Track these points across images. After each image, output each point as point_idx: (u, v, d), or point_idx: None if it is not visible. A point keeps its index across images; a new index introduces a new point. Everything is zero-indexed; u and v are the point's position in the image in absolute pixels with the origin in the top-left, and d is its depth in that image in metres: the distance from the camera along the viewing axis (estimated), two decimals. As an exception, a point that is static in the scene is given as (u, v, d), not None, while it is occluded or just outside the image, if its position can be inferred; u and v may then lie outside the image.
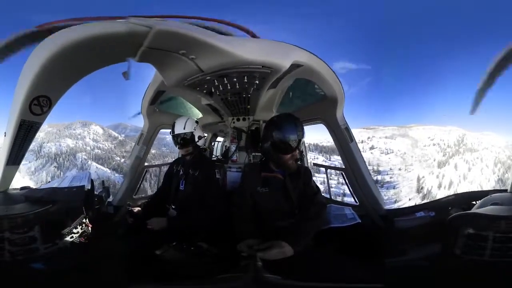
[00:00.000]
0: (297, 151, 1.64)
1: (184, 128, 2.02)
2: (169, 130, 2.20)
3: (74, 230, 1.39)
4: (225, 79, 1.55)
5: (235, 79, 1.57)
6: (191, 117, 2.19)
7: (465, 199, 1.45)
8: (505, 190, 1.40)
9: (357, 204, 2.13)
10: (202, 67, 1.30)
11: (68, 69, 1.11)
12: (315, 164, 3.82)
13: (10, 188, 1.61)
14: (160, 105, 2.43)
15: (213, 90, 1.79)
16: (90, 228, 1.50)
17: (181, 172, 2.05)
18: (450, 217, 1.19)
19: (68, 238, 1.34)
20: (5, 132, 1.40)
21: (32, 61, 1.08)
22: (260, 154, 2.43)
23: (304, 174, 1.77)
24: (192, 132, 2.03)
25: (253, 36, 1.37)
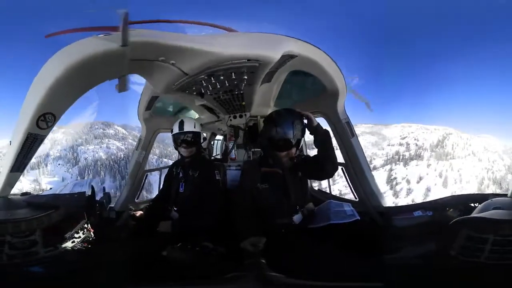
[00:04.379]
0: (294, 149, 1.59)
1: (194, 127, 1.99)
2: (168, 134, 2.20)
3: (76, 235, 1.45)
4: (212, 78, 1.52)
5: (222, 77, 1.53)
6: (196, 119, 2.18)
7: (463, 201, 1.42)
8: (505, 195, 1.34)
9: (357, 200, 2.08)
10: (185, 70, 1.29)
11: (72, 88, 1.20)
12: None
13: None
14: (156, 109, 2.44)
15: (203, 91, 1.75)
16: (92, 233, 1.56)
17: (180, 174, 2.06)
18: (453, 221, 1.15)
19: (69, 243, 1.40)
20: (10, 141, 1.49)
21: (39, 81, 1.17)
22: (259, 150, 2.40)
23: (302, 161, 1.74)
24: (200, 133, 2.02)
25: (230, 31, 1.32)
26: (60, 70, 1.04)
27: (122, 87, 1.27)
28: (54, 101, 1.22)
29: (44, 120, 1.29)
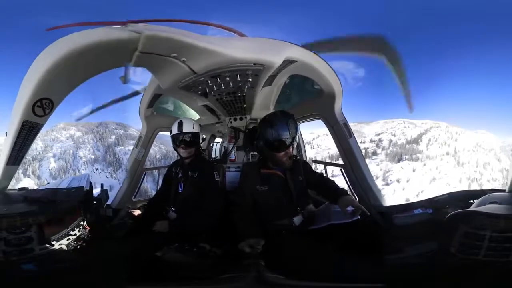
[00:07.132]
0: (291, 149, 1.64)
1: (193, 128, 2.02)
2: (167, 133, 2.20)
3: (72, 233, 1.40)
4: (218, 79, 1.56)
5: (228, 79, 1.57)
6: (196, 120, 2.21)
7: (463, 198, 1.44)
8: (503, 190, 1.37)
9: (356, 200, 2.10)
10: (194, 68, 1.32)
11: (71, 74, 1.16)
12: (313, 161, 3.79)
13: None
14: (157, 108, 2.44)
15: (207, 91, 1.79)
16: (88, 230, 1.51)
17: (179, 175, 2.06)
18: (448, 215, 1.17)
19: (65, 240, 1.35)
20: (6, 132, 1.43)
21: (38, 64, 1.13)
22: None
23: (303, 166, 1.80)
24: (198, 133, 2.04)
25: (241, 35, 1.38)
26: (61, 53, 1.02)
27: (127, 78, 1.27)
28: (52, 86, 1.18)
29: (41, 106, 1.25)
